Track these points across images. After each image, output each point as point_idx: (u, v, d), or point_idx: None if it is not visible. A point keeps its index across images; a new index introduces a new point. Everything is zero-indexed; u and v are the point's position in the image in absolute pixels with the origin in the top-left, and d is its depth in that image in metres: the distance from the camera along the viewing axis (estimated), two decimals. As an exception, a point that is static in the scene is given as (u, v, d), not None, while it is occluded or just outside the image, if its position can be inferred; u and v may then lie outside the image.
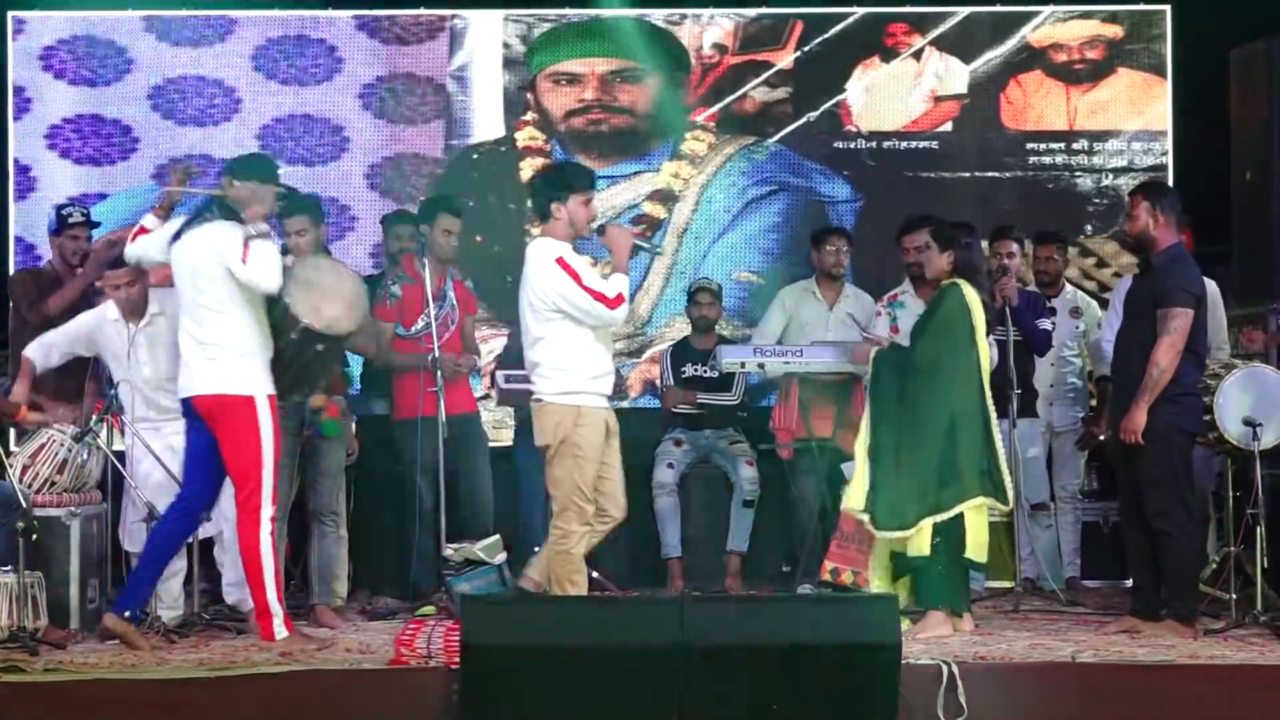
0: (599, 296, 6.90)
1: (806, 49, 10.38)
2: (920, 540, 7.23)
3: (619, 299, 6.94)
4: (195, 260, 6.88)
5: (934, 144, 10.38)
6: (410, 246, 8.31)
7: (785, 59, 10.40)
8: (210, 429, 6.88)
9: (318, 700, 6.22)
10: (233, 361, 6.84)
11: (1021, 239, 8.62)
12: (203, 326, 6.87)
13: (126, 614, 6.92)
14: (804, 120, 10.38)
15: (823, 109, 10.37)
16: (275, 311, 6.88)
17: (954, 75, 10.39)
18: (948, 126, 10.39)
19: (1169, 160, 10.31)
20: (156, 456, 7.36)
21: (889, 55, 10.39)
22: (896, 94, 10.40)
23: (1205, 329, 7.37)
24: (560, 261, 6.92)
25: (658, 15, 10.42)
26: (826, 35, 10.38)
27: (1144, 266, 7.41)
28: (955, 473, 7.21)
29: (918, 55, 10.40)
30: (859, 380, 7.96)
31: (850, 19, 10.37)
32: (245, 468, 6.82)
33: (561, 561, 6.97)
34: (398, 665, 6.46)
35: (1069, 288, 9.09)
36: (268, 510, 6.84)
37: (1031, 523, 8.68)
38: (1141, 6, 10.38)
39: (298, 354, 6.93)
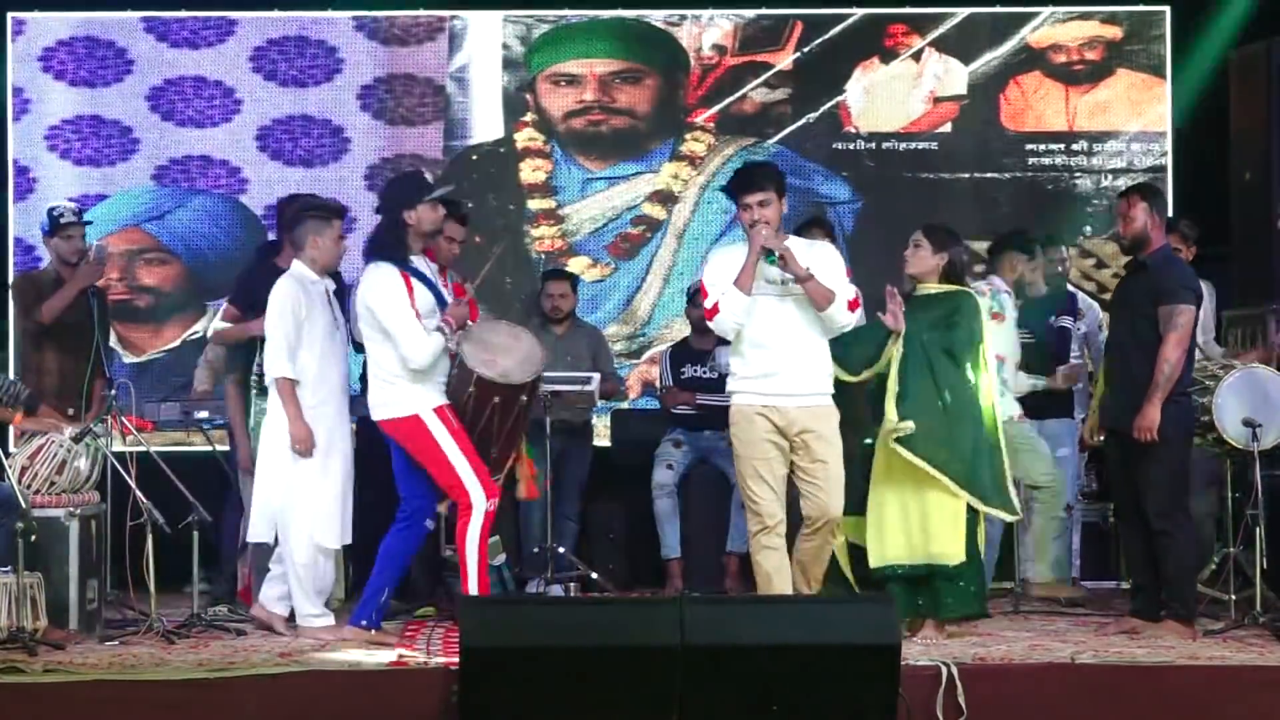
0: (705, 297, 6.95)
1: (806, 50, 10.39)
2: (958, 547, 7.13)
3: (714, 309, 6.86)
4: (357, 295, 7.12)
5: (933, 145, 10.38)
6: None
7: (785, 60, 10.40)
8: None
9: (317, 701, 6.21)
10: (393, 385, 7.01)
11: (1033, 245, 8.57)
12: (369, 353, 7.13)
13: (364, 623, 7.04)
14: (803, 121, 10.39)
15: (822, 110, 10.37)
16: (453, 372, 7.06)
17: (953, 76, 10.39)
18: (947, 127, 10.39)
19: (1168, 161, 10.32)
20: (162, 465, 7.38)
21: (888, 56, 10.40)
22: (896, 95, 10.40)
23: (1200, 327, 7.40)
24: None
25: (657, 16, 10.43)
26: (826, 36, 10.38)
27: (1135, 266, 7.41)
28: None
29: (917, 56, 10.40)
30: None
31: (850, 20, 10.37)
32: (445, 477, 6.97)
33: (754, 566, 6.99)
34: (397, 666, 6.47)
35: (1070, 289, 9.09)
36: (479, 506, 6.92)
37: None
38: (1141, 8, 10.39)
39: (479, 411, 7.01)
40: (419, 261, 7.10)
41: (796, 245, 6.96)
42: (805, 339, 6.93)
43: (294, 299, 7.22)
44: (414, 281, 6.99)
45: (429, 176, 7.35)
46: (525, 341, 7.25)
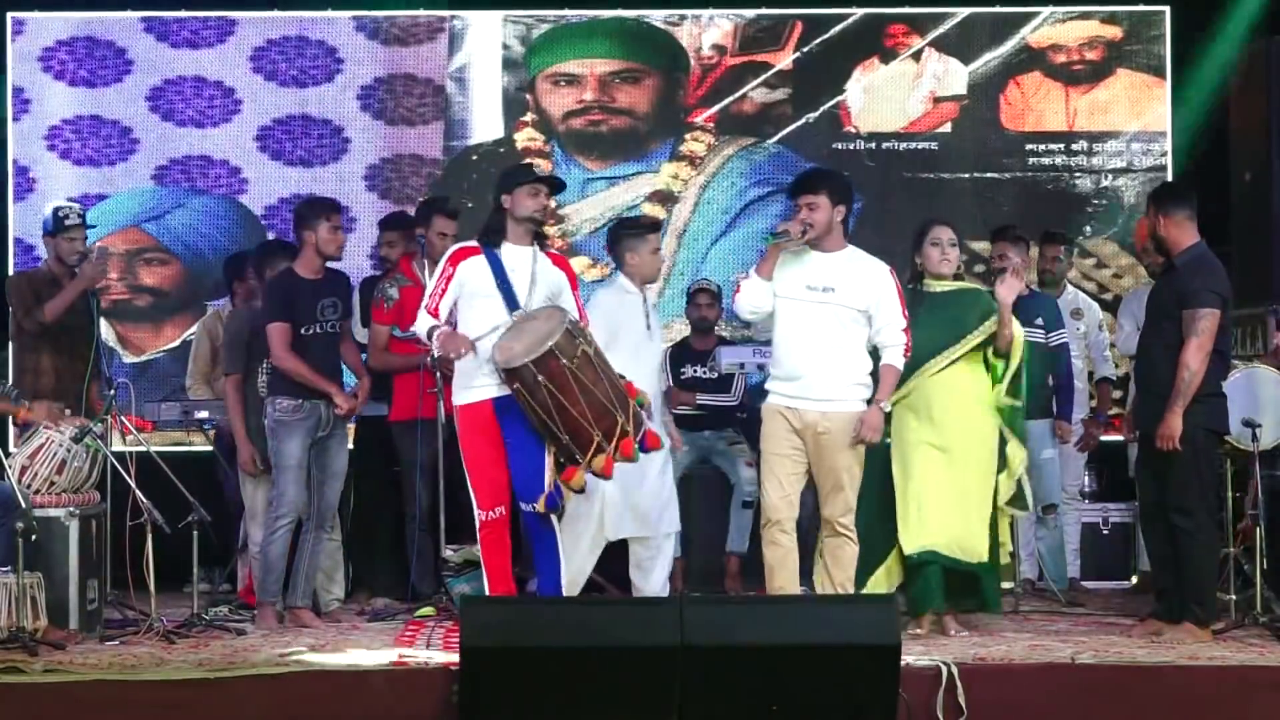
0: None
1: (806, 50, 10.39)
2: (985, 546, 7.29)
3: (736, 290, 7.08)
4: None
5: (933, 145, 10.38)
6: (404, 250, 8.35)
7: (784, 60, 10.40)
8: None
9: (317, 701, 6.21)
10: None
11: (1025, 239, 8.59)
12: None
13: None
14: (803, 121, 10.39)
15: (822, 110, 10.37)
16: None
17: (953, 76, 10.39)
18: (947, 128, 10.39)
19: (1168, 161, 10.32)
20: (162, 465, 7.37)
21: (888, 56, 10.40)
22: (896, 95, 10.40)
23: (1230, 329, 7.34)
24: None
25: (657, 16, 10.43)
26: (826, 36, 10.38)
27: (1166, 267, 7.34)
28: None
29: (917, 56, 10.40)
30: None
31: (849, 20, 10.37)
32: None
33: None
34: (397, 666, 6.46)
35: (1070, 289, 9.11)
36: (478, 516, 7.02)
37: (1039, 524, 8.67)
38: (1140, 8, 10.39)
39: (530, 401, 6.84)
40: (512, 250, 7.08)
41: (851, 259, 7.08)
42: (837, 347, 7.01)
43: (610, 311, 7.56)
44: (472, 263, 7.02)
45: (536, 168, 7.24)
46: (551, 321, 6.91)
